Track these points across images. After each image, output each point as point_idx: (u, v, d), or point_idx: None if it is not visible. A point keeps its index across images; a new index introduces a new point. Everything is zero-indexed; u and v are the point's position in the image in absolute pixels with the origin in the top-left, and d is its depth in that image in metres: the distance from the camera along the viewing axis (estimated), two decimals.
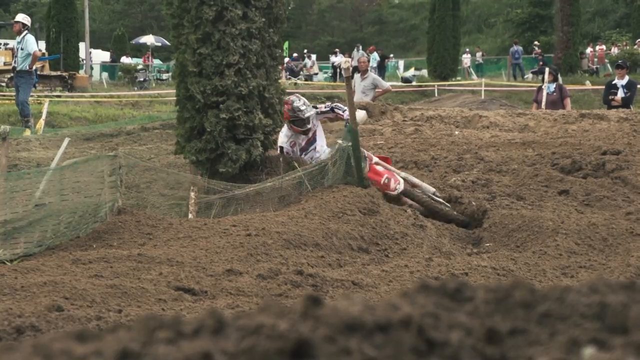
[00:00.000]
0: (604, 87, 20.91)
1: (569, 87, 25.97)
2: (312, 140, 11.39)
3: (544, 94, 18.85)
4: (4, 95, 30.51)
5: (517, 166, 12.20)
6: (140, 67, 50.29)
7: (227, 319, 1.55)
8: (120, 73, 52.22)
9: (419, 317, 1.50)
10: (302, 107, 11.21)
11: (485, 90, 35.09)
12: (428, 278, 6.79)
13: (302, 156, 11.29)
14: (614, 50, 52.54)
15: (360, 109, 13.26)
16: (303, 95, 12.77)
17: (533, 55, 53.82)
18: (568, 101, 18.99)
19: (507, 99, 32.90)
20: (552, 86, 18.91)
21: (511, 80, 47.01)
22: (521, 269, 7.73)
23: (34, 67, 19.17)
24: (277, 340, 1.45)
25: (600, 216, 9.68)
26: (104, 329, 1.68)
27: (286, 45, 49.33)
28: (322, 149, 11.43)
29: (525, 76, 49.50)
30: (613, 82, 19.20)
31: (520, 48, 52.00)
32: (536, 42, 56.47)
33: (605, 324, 1.48)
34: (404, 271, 7.14)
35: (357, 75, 18.93)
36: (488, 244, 9.39)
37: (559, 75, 21.41)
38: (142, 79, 46.35)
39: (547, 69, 19.75)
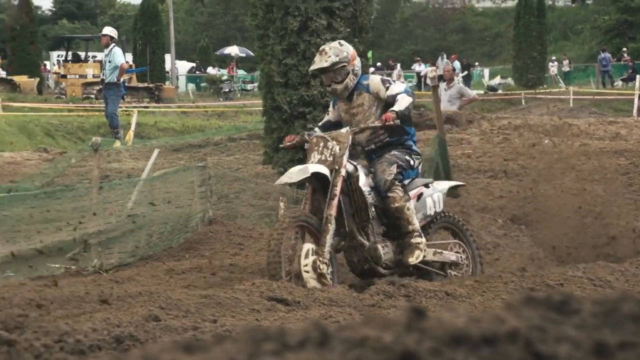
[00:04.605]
0: None
1: None
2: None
3: (635, 101, 18.52)
4: (94, 107, 31.06)
5: (610, 175, 11.99)
6: (225, 77, 50.72)
7: (332, 331, 1.55)
8: (204, 84, 52.77)
9: (526, 330, 1.48)
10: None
11: (573, 98, 34.52)
12: (523, 289, 6.70)
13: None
14: None
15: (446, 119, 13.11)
16: None
17: (622, 62, 52.76)
18: None
19: (596, 107, 32.37)
20: None
21: (600, 88, 46.14)
22: (619, 279, 7.55)
23: (121, 79, 19.47)
24: (382, 353, 1.44)
25: None
26: (206, 340, 1.70)
27: (370, 54, 49.31)
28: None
29: (615, 83, 48.55)
30: None
31: (609, 55, 51.00)
32: (625, 49, 55.37)
33: None
34: (498, 282, 7.05)
35: (442, 84, 18.78)
36: None
37: None
38: (227, 90, 46.72)
39: (638, 77, 19.39)
